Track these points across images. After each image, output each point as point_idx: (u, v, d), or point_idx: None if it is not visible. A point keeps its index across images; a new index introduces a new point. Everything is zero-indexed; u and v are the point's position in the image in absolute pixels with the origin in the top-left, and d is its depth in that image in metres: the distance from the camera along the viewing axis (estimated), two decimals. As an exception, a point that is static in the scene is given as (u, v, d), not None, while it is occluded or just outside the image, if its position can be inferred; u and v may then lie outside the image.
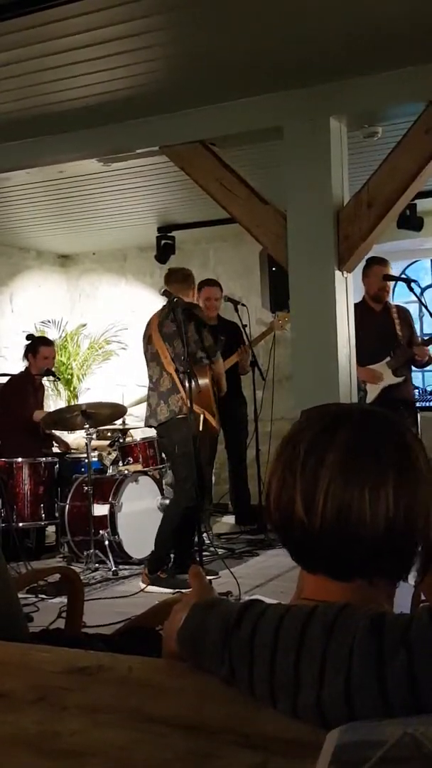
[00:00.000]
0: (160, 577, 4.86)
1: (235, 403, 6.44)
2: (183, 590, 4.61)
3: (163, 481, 6.20)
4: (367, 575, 1.09)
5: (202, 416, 4.84)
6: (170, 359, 4.91)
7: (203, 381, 4.95)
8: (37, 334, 6.96)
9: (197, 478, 4.83)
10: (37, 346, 6.30)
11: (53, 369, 6.74)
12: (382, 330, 5.67)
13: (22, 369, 6.36)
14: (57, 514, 5.92)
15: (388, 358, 5.62)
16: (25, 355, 6.34)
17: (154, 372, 5.03)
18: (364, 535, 1.05)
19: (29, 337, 6.45)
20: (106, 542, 5.44)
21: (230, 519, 6.86)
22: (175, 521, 4.94)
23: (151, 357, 5.05)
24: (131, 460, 6.11)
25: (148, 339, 5.08)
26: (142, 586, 4.87)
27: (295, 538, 1.10)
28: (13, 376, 6.36)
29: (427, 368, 7.18)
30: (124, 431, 6.28)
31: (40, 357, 6.23)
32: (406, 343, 5.76)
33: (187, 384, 4.78)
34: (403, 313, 5.91)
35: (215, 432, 5.31)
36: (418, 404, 6.08)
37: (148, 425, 5.19)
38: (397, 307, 5.96)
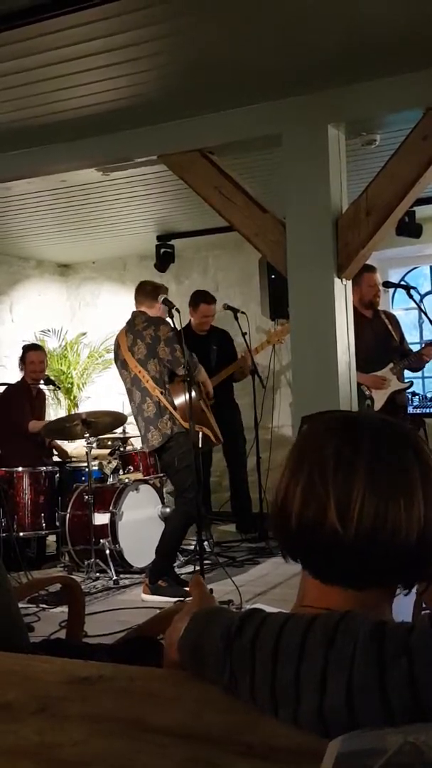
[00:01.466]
0: (161, 586, 4.84)
1: (228, 410, 6.45)
2: (183, 598, 4.64)
3: (164, 490, 6.19)
4: (386, 584, 1.09)
5: (201, 433, 4.82)
6: (153, 383, 4.89)
7: (185, 397, 4.82)
8: (37, 343, 6.98)
9: (199, 487, 4.84)
10: (25, 353, 6.36)
11: (52, 378, 6.76)
12: (378, 336, 5.68)
13: (19, 378, 6.40)
14: (58, 523, 5.91)
15: (391, 365, 5.62)
16: (20, 365, 6.41)
17: (135, 396, 4.99)
18: (399, 544, 1.04)
19: (23, 348, 6.50)
20: (107, 551, 5.43)
21: (231, 527, 6.85)
22: (178, 531, 4.94)
23: (131, 382, 5.01)
24: (132, 468, 6.11)
25: (122, 364, 5.03)
26: (144, 597, 4.86)
27: (320, 548, 1.08)
28: (9, 385, 6.39)
29: (428, 375, 7.19)
30: (125, 440, 6.28)
31: (28, 363, 6.30)
32: (399, 347, 5.78)
33: (177, 400, 4.81)
34: (393, 318, 5.94)
35: (215, 444, 5.29)
36: (419, 411, 6.08)
37: (143, 449, 5.27)
38: (385, 312, 5.98)
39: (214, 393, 6.20)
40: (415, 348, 6.03)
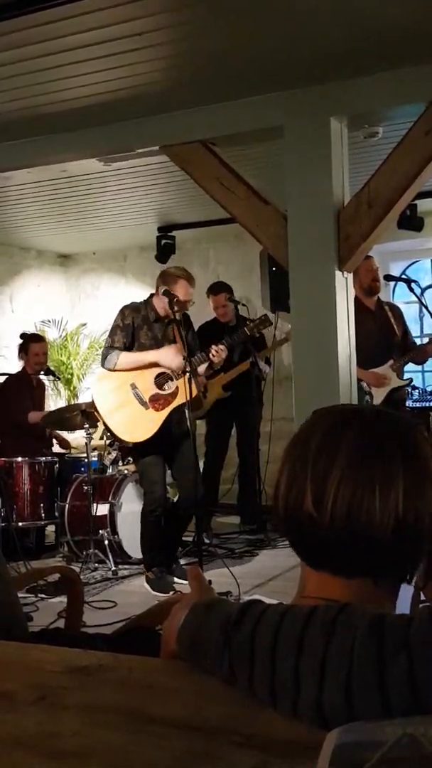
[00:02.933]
0: (148, 576, 4.90)
1: (247, 403, 6.42)
2: (162, 594, 4.65)
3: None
4: (371, 574, 1.09)
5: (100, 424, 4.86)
6: None
7: (93, 392, 4.87)
8: (38, 333, 6.97)
9: (162, 482, 4.85)
10: (27, 344, 6.34)
11: (52, 368, 6.76)
12: (380, 330, 5.66)
13: (19, 369, 6.39)
14: (57, 514, 5.92)
15: (391, 361, 5.61)
16: (20, 355, 6.38)
17: None
18: (373, 532, 1.05)
19: (22, 336, 6.47)
20: (106, 542, 5.44)
21: (231, 519, 6.86)
22: (143, 525, 5.00)
23: None
24: (131, 459, 6.11)
25: None
26: (144, 584, 4.91)
27: (302, 533, 1.10)
28: (9, 375, 6.38)
29: (428, 369, 7.20)
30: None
31: (32, 354, 6.28)
32: (402, 341, 5.76)
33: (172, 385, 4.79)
34: (396, 310, 5.90)
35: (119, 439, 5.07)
36: (420, 405, 6.09)
37: None
38: (389, 304, 5.95)
39: (233, 386, 6.20)
40: (417, 340, 6.02)
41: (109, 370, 4.77)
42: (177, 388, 4.79)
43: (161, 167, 5.42)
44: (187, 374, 4.64)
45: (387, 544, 1.05)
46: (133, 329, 4.80)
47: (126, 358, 4.73)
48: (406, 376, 5.84)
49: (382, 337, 5.63)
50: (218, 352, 4.86)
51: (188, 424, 4.66)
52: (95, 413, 4.92)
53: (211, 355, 4.84)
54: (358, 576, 1.09)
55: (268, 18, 3.34)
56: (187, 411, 4.68)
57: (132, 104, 4.21)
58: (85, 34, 3.38)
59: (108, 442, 5.94)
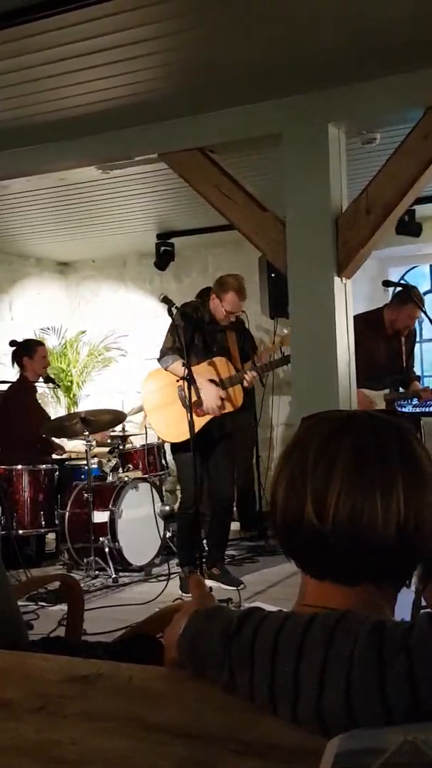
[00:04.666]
0: (180, 576, 5.05)
1: (242, 410, 6.42)
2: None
3: (163, 488, 6.20)
4: (374, 579, 1.09)
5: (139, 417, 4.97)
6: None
7: (144, 387, 5.04)
8: (36, 339, 6.93)
9: (200, 481, 4.93)
10: (33, 347, 6.21)
11: (52, 376, 6.73)
12: (389, 352, 5.65)
13: (18, 377, 6.27)
14: (57, 521, 5.91)
15: (386, 390, 5.60)
16: (18, 362, 6.24)
17: None
18: (376, 538, 1.05)
19: (12, 343, 6.29)
20: (106, 549, 5.44)
21: (235, 525, 6.85)
22: (177, 526, 5.20)
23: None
24: (131, 466, 6.11)
25: None
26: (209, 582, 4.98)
27: (303, 543, 1.10)
28: (11, 384, 6.29)
29: (427, 374, 7.20)
30: (124, 438, 6.27)
31: (39, 357, 6.16)
32: (405, 364, 5.76)
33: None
34: (409, 335, 5.85)
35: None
36: (418, 410, 6.07)
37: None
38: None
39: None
40: (417, 345, 6.01)
41: (163, 368, 4.95)
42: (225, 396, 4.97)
43: (160, 175, 5.42)
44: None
45: (389, 550, 1.05)
46: (192, 331, 4.92)
47: (176, 368, 4.85)
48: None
49: (390, 362, 5.63)
50: (251, 381, 5.04)
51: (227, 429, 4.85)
52: (140, 408, 5.09)
53: (245, 383, 5.00)
54: (361, 583, 1.09)
55: (265, 25, 3.34)
56: (188, 418, 4.72)
57: (130, 112, 4.21)
58: (83, 43, 3.39)
59: (110, 449, 5.94)
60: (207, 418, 4.90)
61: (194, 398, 4.81)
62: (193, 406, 4.77)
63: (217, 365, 4.97)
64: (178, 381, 4.84)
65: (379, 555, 1.06)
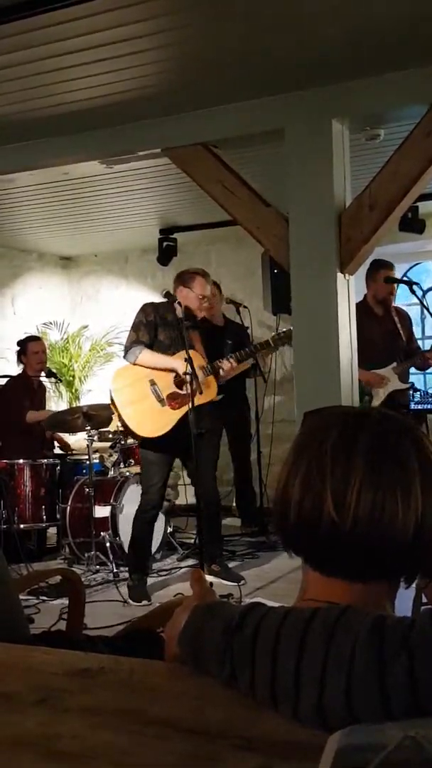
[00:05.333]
0: (128, 584, 4.91)
1: (237, 406, 6.44)
2: (136, 603, 4.61)
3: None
4: (387, 577, 1.09)
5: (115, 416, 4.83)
6: None
7: (112, 384, 4.87)
8: (35, 335, 6.97)
9: (162, 484, 4.88)
10: (25, 344, 6.37)
11: (54, 370, 6.77)
12: (386, 334, 5.68)
13: (19, 372, 6.41)
14: (58, 516, 5.92)
15: (394, 363, 5.62)
16: (19, 359, 6.40)
17: None
18: (395, 536, 1.05)
19: (19, 342, 6.49)
20: (108, 544, 5.44)
21: (232, 521, 6.85)
22: (134, 526, 5.03)
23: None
24: (132, 461, 6.11)
25: None
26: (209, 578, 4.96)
27: (319, 540, 1.09)
28: (9, 378, 6.40)
29: (430, 371, 7.19)
30: (126, 433, 6.27)
31: (30, 353, 6.30)
32: (407, 345, 5.79)
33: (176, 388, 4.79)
34: (403, 315, 5.93)
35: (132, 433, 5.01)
36: (421, 407, 6.08)
37: None
38: (397, 309, 5.97)
39: (225, 388, 6.19)
40: (420, 343, 6.03)
41: (130, 363, 4.81)
42: (199, 387, 4.83)
43: (163, 170, 5.42)
44: (190, 380, 4.70)
45: (406, 547, 1.06)
46: (155, 327, 4.84)
47: (148, 356, 4.76)
48: (410, 381, 5.84)
49: (388, 342, 5.65)
50: (228, 372, 4.99)
51: (193, 426, 4.67)
52: (112, 405, 4.90)
53: (220, 372, 4.94)
54: (372, 579, 1.09)
55: (269, 20, 3.34)
56: (190, 414, 4.70)
57: (133, 107, 4.21)
58: (86, 37, 3.39)
59: (111, 443, 5.94)
60: (182, 411, 4.75)
61: (169, 391, 4.76)
62: (166, 400, 4.74)
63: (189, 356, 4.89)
64: (150, 379, 4.77)
65: (397, 552, 1.06)
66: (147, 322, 4.84)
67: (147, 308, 4.91)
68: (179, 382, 4.81)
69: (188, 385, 4.71)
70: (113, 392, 4.81)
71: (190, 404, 4.63)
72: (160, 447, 4.78)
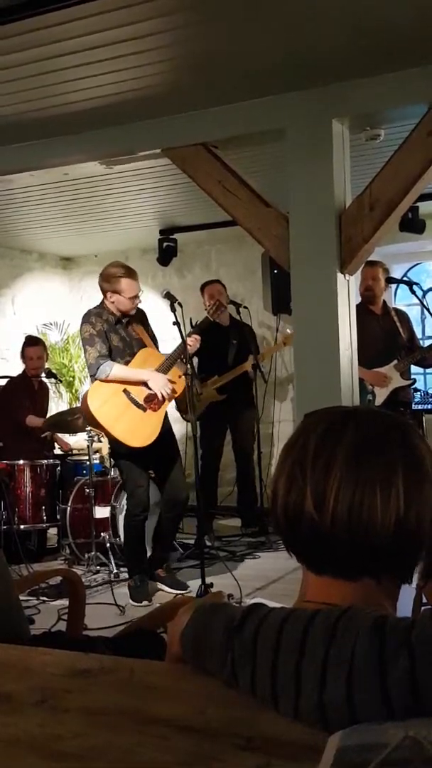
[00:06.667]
0: (129, 585, 4.89)
1: (242, 406, 6.43)
2: (137, 603, 4.62)
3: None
4: (373, 574, 1.09)
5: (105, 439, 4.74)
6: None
7: (89, 405, 4.70)
8: (36, 337, 6.98)
9: (147, 485, 4.83)
10: (23, 348, 6.39)
11: (54, 371, 6.77)
12: (385, 332, 5.68)
13: (21, 371, 6.42)
14: (58, 517, 5.93)
15: (395, 361, 5.62)
16: (22, 358, 6.44)
17: None
18: (375, 532, 1.05)
19: (23, 342, 6.51)
20: (108, 544, 5.44)
21: (233, 521, 6.86)
22: (124, 531, 5.03)
23: None
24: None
25: None
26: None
27: (303, 537, 1.10)
28: (10, 379, 6.41)
29: (430, 371, 7.19)
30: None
31: (27, 358, 6.33)
32: (408, 343, 5.79)
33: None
34: (403, 315, 5.94)
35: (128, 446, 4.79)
36: (421, 407, 6.09)
37: None
38: (396, 309, 5.98)
39: (228, 388, 6.18)
40: (422, 343, 6.04)
41: (101, 380, 4.67)
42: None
43: (163, 170, 5.42)
44: (187, 375, 4.70)
45: (388, 544, 1.05)
46: (106, 334, 4.76)
47: (119, 371, 4.66)
48: (411, 377, 5.85)
49: (388, 340, 5.66)
50: (192, 343, 4.82)
51: (172, 426, 4.67)
52: (97, 427, 4.79)
53: (188, 345, 4.77)
54: (360, 577, 1.09)
55: (269, 20, 3.34)
56: (190, 413, 4.70)
57: (133, 107, 4.21)
58: (86, 38, 3.39)
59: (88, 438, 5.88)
60: (163, 410, 4.73)
61: (144, 395, 4.71)
62: (145, 404, 4.70)
63: (147, 356, 4.83)
64: (123, 389, 4.70)
65: (378, 549, 1.06)
66: (98, 332, 4.73)
67: (91, 318, 4.78)
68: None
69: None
70: (95, 413, 4.65)
71: (189, 406, 4.62)
72: (137, 448, 4.72)
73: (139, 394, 4.74)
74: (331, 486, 1.06)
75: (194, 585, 4.70)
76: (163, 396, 4.72)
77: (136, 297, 4.81)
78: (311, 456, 1.09)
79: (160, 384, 4.73)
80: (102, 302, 4.90)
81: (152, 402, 4.75)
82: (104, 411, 4.67)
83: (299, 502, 1.08)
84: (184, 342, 4.68)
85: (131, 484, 4.85)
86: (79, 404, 7.83)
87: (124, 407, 4.71)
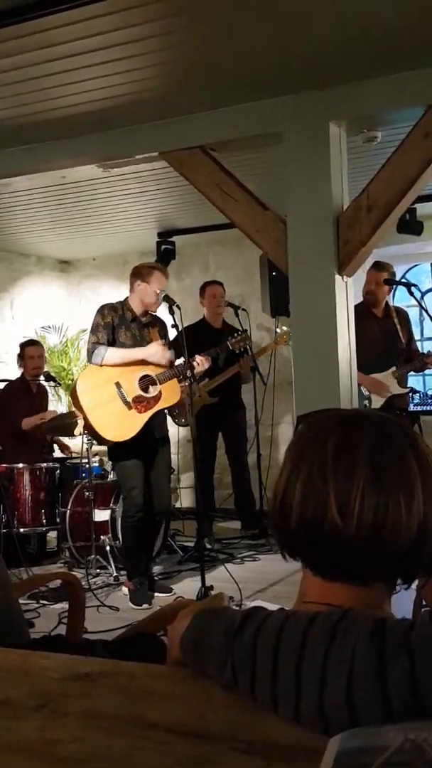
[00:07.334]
0: (129, 588, 4.86)
1: (232, 408, 6.44)
2: (138, 606, 4.60)
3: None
4: (389, 579, 1.09)
5: (80, 420, 4.68)
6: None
7: (78, 386, 4.73)
8: (35, 339, 6.98)
9: (144, 486, 4.80)
10: (22, 349, 6.38)
11: (53, 374, 6.77)
12: (385, 336, 5.68)
13: (18, 375, 6.42)
14: (58, 520, 5.92)
15: (393, 368, 5.63)
16: (19, 363, 6.42)
17: None
18: (399, 538, 1.05)
19: (20, 346, 6.51)
20: (107, 548, 5.44)
21: (232, 524, 6.85)
22: (123, 531, 4.99)
23: None
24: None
25: None
26: (124, 590, 4.90)
27: (320, 543, 1.08)
28: (8, 383, 6.40)
29: (428, 372, 7.19)
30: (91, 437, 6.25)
31: (27, 358, 6.31)
32: (406, 345, 5.79)
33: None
34: (403, 315, 5.93)
35: (99, 436, 4.77)
36: (419, 408, 6.10)
37: None
38: (396, 309, 5.97)
39: (219, 391, 6.19)
40: (420, 345, 6.04)
41: (97, 365, 4.71)
42: (160, 392, 4.81)
43: (161, 173, 5.42)
44: (187, 377, 4.70)
45: (409, 550, 1.06)
46: (113, 328, 4.79)
47: (113, 353, 4.70)
48: (408, 385, 5.85)
49: (387, 344, 5.66)
50: (201, 363, 4.90)
51: (168, 429, 4.66)
52: (76, 408, 4.79)
53: (195, 363, 4.85)
54: (373, 582, 1.09)
55: (265, 23, 3.34)
56: (189, 416, 4.70)
57: (131, 110, 4.21)
58: (84, 41, 3.39)
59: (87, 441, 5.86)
60: (149, 414, 4.73)
61: (135, 394, 4.71)
62: (132, 403, 4.70)
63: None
64: (116, 381, 4.70)
65: (401, 554, 1.06)
66: (104, 324, 4.78)
67: (104, 309, 4.86)
68: (144, 385, 4.78)
69: (153, 387, 4.76)
70: (79, 394, 4.67)
71: (189, 408, 4.63)
72: (132, 451, 4.73)
73: (130, 391, 4.73)
74: (356, 493, 1.05)
75: (194, 587, 4.70)
76: (157, 376, 4.73)
77: (162, 293, 4.81)
78: (331, 461, 1.08)
79: (158, 355, 4.75)
80: (125, 298, 4.94)
81: (140, 403, 4.74)
82: (89, 395, 4.68)
83: (320, 509, 1.07)
84: (184, 342, 4.68)
85: (125, 485, 4.86)
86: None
87: (109, 398, 4.70)
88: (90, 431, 4.82)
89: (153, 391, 4.78)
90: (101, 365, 4.70)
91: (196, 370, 4.89)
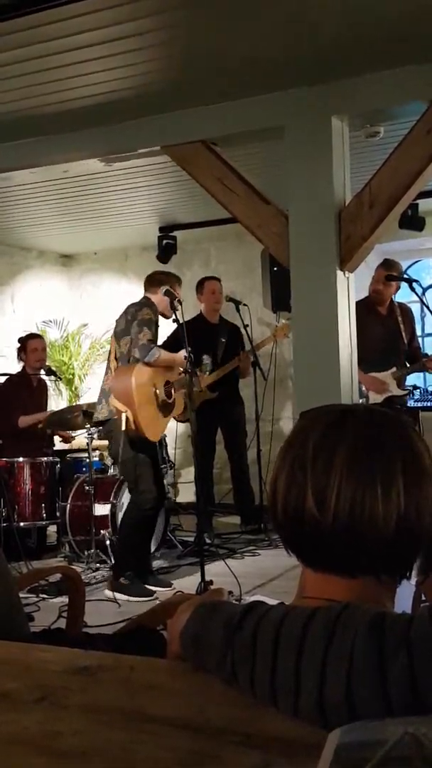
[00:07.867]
0: (122, 583, 4.79)
1: (231, 403, 6.45)
2: (144, 597, 4.61)
3: (164, 481, 6.19)
4: (374, 572, 1.09)
5: (124, 415, 4.68)
6: (114, 357, 4.92)
7: (125, 383, 4.75)
8: (39, 333, 6.97)
9: (155, 480, 4.85)
10: (24, 342, 6.35)
11: (53, 369, 6.76)
12: (387, 334, 5.67)
13: (19, 370, 6.40)
14: (58, 514, 5.92)
15: (394, 369, 5.62)
16: (19, 357, 6.38)
17: (106, 370, 5.06)
18: (376, 531, 1.05)
19: (19, 339, 6.48)
20: (107, 542, 5.44)
21: (232, 519, 6.86)
22: (128, 524, 4.99)
23: (107, 355, 5.16)
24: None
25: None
26: (106, 592, 4.82)
27: (304, 536, 1.09)
28: (8, 377, 6.37)
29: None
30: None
31: (30, 350, 6.27)
32: (408, 343, 5.79)
33: (115, 383, 4.79)
34: (406, 311, 5.93)
35: (141, 434, 4.79)
36: (419, 404, 6.10)
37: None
38: (400, 305, 5.97)
39: (218, 386, 6.19)
40: (421, 341, 6.04)
41: (147, 364, 4.74)
42: (174, 400, 5.02)
43: (162, 167, 5.42)
44: (185, 373, 4.81)
45: (389, 541, 1.06)
46: (156, 325, 4.90)
47: (164, 356, 4.82)
48: (407, 387, 5.85)
49: (389, 343, 5.65)
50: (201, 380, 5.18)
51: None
52: (125, 402, 4.75)
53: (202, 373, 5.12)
54: (361, 575, 1.09)
55: (268, 17, 3.33)
56: (190, 410, 4.73)
57: (133, 104, 4.21)
58: (85, 35, 3.38)
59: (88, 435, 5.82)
60: (170, 419, 4.98)
61: (162, 398, 4.86)
62: (161, 407, 4.87)
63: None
64: (153, 383, 4.82)
65: (380, 547, 1.06)
66: (155, 320, 4.85)
67: (153, 306, 4.91)
68: (168, 391, 4.96)
69: (175, 394, 4.95)
70: (135, 391, 4.69)
71: (189, 404, 4.64)
72: (152, 449, 4.89)
73: (161, 395, 4.89)
74: (332, 484, 1.06)
75: (194, 582, 4.70)
76: (174, 383, 4.93)
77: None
78: (311, 454, 1.09)
79: (181, 360, 4.87)
80: (148, 299, 4.96)
81: (165, 408, 4.93)
82: (140, 391, 4.76)
83: (300, 500, 1.08)
84: (185, 342, 4.69)
85: (143, 480, 4.83)
86: (79, 402, 7.85)
87: (149, 398, 4.83)
88: (135, 427, 4.76)
89: (173, 397, 4.97)
90: (150, 364, 4.75)
91: (203, 383, 5.14)
